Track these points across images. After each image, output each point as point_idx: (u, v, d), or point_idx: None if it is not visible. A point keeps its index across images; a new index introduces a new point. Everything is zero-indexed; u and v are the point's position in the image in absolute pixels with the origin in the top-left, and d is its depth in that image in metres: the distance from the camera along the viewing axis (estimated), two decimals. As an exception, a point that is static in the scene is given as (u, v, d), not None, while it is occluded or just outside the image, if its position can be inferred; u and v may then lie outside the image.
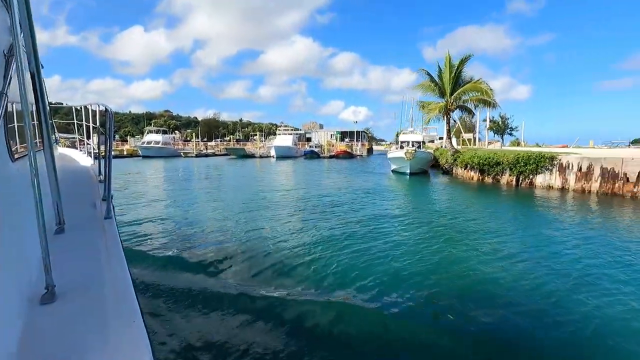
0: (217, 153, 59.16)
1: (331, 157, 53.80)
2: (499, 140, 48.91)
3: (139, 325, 1.33)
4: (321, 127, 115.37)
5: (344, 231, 8.96)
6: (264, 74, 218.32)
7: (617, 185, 14.61)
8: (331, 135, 70.57)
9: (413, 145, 28.58)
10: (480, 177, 20.65)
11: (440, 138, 53.17)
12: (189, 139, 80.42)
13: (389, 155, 26.41)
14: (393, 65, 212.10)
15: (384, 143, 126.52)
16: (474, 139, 42.43)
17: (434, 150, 33.93)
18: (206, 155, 55.11)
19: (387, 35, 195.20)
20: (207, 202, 14.11)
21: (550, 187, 17.03)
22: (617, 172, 14.64)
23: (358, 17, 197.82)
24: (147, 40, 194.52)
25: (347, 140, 63.45)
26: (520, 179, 18.34)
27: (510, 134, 71.74)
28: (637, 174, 13.99)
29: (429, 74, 26.00)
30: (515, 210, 12.93)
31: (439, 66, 26.08)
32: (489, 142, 40.82)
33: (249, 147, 58.03)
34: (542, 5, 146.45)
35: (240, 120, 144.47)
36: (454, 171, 25.71)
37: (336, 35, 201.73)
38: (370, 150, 70.85)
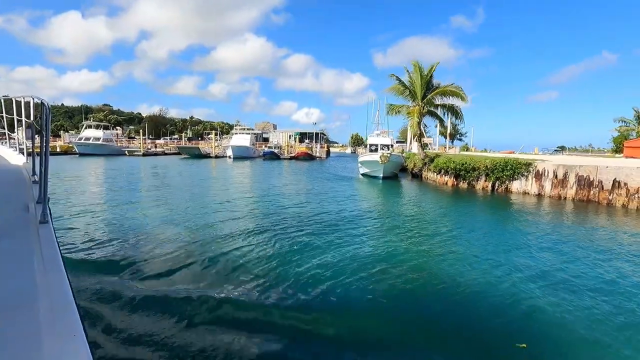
0: (167, 152, 54.62)
1: (291, 158, 52.19)
2: (455, 146, 50.66)
3: (80, 338, 1.26)
4: (275, 127, 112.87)
5: (338, 253, 7.62)
6: (216, 71, 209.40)
7: (592, 192, 14.97)
8: (290, 136, 68.86)
9: (383, 149, 28.17)
10: (455, 182, 20.51)
11: (399, 142, 53.99)
12: (133, 136, 73.96)
13: (361, 159, 25.57)
14: (345, 69, 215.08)
15: (337, 145, 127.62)
16: (429, 144, 43.39)
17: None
18: (155, 154, 50.55)
19: (341, 40, 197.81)
20: (156, 207, 12.29)
21: (526, 193, 17.18)
22: (592, 179, 15.01)
23: (313, 19, 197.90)
24: (84, 27, 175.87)
25: (307, 141, 62.17)
26: (497, 184, 18.39)
27: (460, 140, 75.80)
28: (611, 181, 14.39)
29: (399, 79, 25.64)
30: (496, 216, 13.03)
31: (407, 71, 25.84)
32: (448, 147, 41.92)
33: (204, 146, 54.34)
34: (481, 21, 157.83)
35: (191, 117, 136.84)
36: (423, 175, 25.61)
37: (291, 36, 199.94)
38: (328, 152, 70.43)
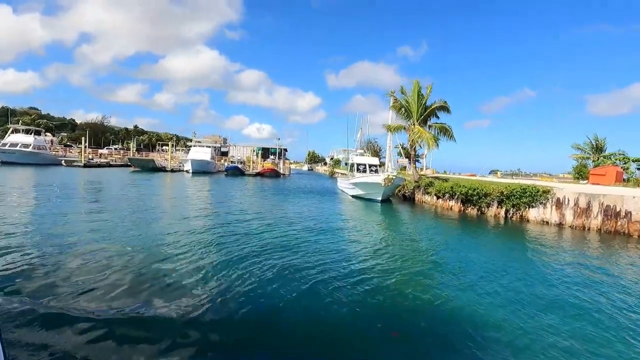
0: (112, 163, 48.11)
1: (257, 174, 48.84)
2: (429, 168, 51.07)
3: None
4: (225, 141, 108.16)
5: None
6: (164, 80, 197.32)
7: (619, 223, 14.45)
8: (252, 150, 65.35)
9: (371, 169, 26.63)
10: (462, 208, 19.36)
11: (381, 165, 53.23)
12: (69, 143, 65.04)
13: (355, 180, 23.58)
14: (299, 87, 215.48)
15: (292, 162, 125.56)
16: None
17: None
18: (99, 166, 44.08)
19: (295, 59, 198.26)
20: (94, 235, 9.34)
21: (545, 222, 16.37)
22: (618, 210, 14.52)
23: (268, 38, 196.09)
24: (14, 23, 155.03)
25: (271, 157, 59.19)
26: (511, 212, 17.47)
27: (418, 161, 78.00)
28: (642, 212, 13.96)
29: (396, 99, 24.55)
30: (530, 251, 11.21)
31: (403, 91, 24.84)
32: (425, 169, 41.84)
33: (158, 159, 48.86)
34: (424, 52, 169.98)
35: (135, 127, 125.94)
36: (417, 198, 24.37)
37: (244, 52, 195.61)
38: (289, 169, 68.06)
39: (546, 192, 16.51)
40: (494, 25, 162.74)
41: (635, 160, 31.85)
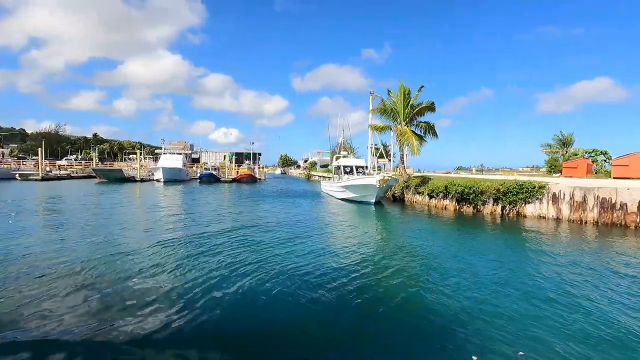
0: (73, 175, 44.45)
1: (233, 181, 47.02)
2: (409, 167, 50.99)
3: None
4: (192, 147, 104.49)
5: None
6: (123, 86, 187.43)
7: (615, 215, 14.73)
8: (224, 156, 63.10)
9: (358, 171, 26.11)
10: (457, 207, 19.22)
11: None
12: (21, 155, 59.68)
13: (346, 183, 22.88)
14: (265, 91, 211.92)
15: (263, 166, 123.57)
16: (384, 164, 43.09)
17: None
18: (59, 178, 40.48)
19: (260, 63, 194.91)
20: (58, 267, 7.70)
21: (542, 217, 16.49)
22: (614, 202, 14.82)
23: (231, 41, 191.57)
24: None
25: (247, 162, 57.37)
26: (507, 208, 17.50)
27: (390, 160, 78.92)
28: (638, 203, 14.29)
29: (383, 99, 24.23)
30: (534, 245, 10.94)
31: (389, 92, 24.59)
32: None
33: (126, 168, 45.75)
34: (388, 55, 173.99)
35: (95, 135, 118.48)
36: (406, 198, 24.11)
37: (208, 56, 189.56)
38: (264, 174, 66.47)
39: (542, 187, 16.65)
40: (451, 28, 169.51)
41: (603, 153, 33.64)
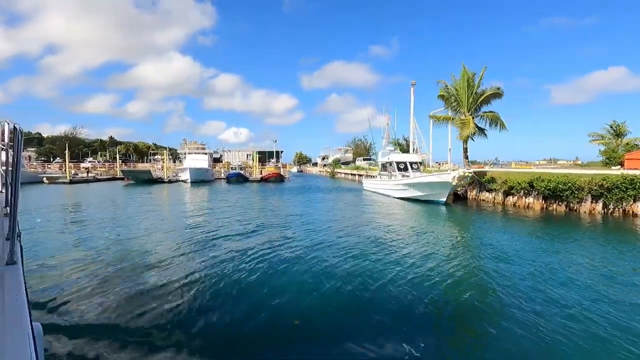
0: (99, 177, 43.30)
1: (261, 180, 45.41)
2: (444, 162, 48.88)
3: None
4: (203, 148, 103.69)
5: None
6: (135, 89, 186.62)
7: None
8: (247, 155, 61.61)
9: (413, 167, 24.14)
10: (545, 205, 17.15)
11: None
12: (46, 159, 59.09)
13: (414, 180, 20.83)
14: (274, 89, 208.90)
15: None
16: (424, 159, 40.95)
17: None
18: (85, 181, 39.32)
19: (269, 62, 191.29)
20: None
21: (658, 215, 14.36)
22: None
23: (242, 42, 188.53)
24: None
25: (273, 161, 55.63)
26: (611, 207, 15.38)
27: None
28: None
29: (446, 86, 22.15)
30: None
31: (453, 77, 22.52)
32: (444, 163, 39.72)
33: (154, 169, 44.50)
34: (396, 52, 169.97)
35: (110, 137, 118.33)
36: (470, 196, 22.08)
37: (219, 57, 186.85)
38: (288, 172, 64.85)
39: (657, 181, 14.50)
40: (460, 21, 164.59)
41: (669, 143, 31.01)
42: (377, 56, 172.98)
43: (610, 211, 15.47)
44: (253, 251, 9.29)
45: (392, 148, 30.93)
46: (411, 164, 24.39)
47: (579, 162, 55.71)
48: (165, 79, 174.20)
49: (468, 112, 21.68)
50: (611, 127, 38.02)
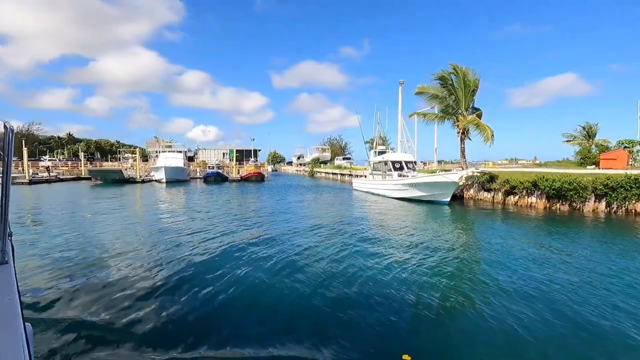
0: (62, 177, 39.62)
1: (241, 179, 43.60)
2: (430, 161, 49.22)
3: None
4: (170, 146, 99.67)
5: None
6: (96, 84, 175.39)
7: None
8: (223, 154, 59.21)
9: (408, 167, 23.70)
10: (549, 205, 17.16)
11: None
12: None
13: (418, 180, 20.19)
14: (244, 88, 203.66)
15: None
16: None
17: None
18: (48, 182, 35.78)
19: (239, 60, 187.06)
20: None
21: (661, 214, 14.65)
22: None
23: (210, 39, 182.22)
24: None
25: (252, 160, 53.68)
26: (615, 206, 15.56)
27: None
28: None
29: (444, 84, 21.73)
30: None
31: (448, 76, 22.17)
32: (430, 163, 39.97)
33: (125, 169, 41.40)
34: (366, 53, 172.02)
35: (69, 134, 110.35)
36: (466, 195, 21.93)
37: (186, 54, 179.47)
38: (267, 171, 63.10)
39: (660, 180, 14.78)
40: (426, 25, 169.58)
41: (638, 143, 32.79)
42: (348, 57, 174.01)
43: (613, 210, 15.66)
44: (284, 274, 8.15)
45: (384, 147, 30.47)
46: (407, 163, 23.93)
47: (538, 161, 58.49)
48: (129, 74, 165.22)
49: (466, 110, 21.49)
50: (583, 128, 39.94)
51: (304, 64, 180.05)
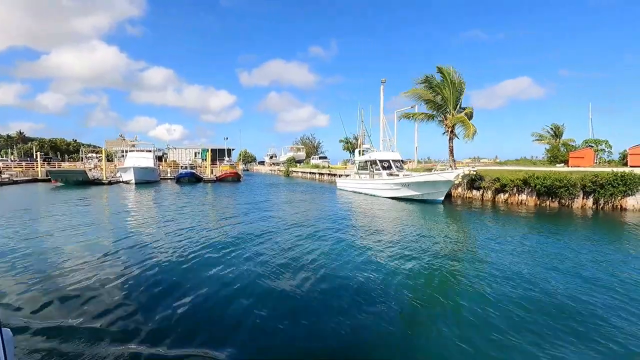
0: (16, 179, 35.99)
1: (216, 180, 41.83)
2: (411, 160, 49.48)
3: None
4: (133, 145, 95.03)
5: None
6: (49, 79, 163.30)
7: None
8: (195, 153, 56.71)
9: (396, 166, 23.51)
10: (539, 202, 17.49)
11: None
12: None
13: (412, 180, 19.82)
14: (212, 85, 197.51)
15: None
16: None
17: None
18: (0, 184, 32.27)
19: (205, 57, 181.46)
20: None
21: (645, 209, 15.27)
22: None
23: (174, 34, 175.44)
24: None
25: (227, 159, 51.69)
26: (602, 202, 16.07)
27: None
28: None
29: (430, 86, 21.70)
30: None
31: (433, 77, 22.18)
32: (410, 161, 40.23)
33: (90, 169, 38.31)
34: (334, 53, 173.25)
35: (20, 133, 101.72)
36: (453, 193, 22.03)
37: (149, 49, 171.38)
38: (241, 171, 61.23)
39: (644, 177, 15.41)
40: (395, 33, 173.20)
41: (603, 142, 34.78)
42: (316, 56, 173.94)
43: (600, 206, 16.17)
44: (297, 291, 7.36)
45: (368, 146, 30.15)
46: (394, 162, 23.72)
47: (498, 160, 61.32)
48: (86, 69, 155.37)
49: (454, 109, 21.57)
50: (551, 128, 41.96)
51: (273, 62, 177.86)
